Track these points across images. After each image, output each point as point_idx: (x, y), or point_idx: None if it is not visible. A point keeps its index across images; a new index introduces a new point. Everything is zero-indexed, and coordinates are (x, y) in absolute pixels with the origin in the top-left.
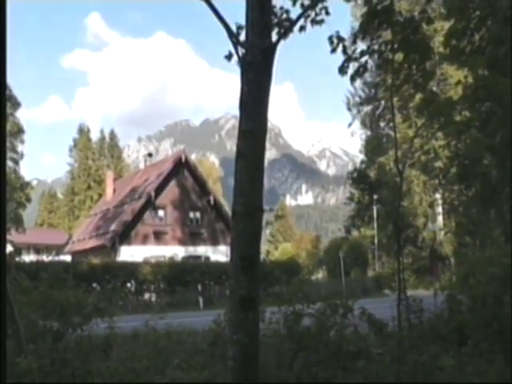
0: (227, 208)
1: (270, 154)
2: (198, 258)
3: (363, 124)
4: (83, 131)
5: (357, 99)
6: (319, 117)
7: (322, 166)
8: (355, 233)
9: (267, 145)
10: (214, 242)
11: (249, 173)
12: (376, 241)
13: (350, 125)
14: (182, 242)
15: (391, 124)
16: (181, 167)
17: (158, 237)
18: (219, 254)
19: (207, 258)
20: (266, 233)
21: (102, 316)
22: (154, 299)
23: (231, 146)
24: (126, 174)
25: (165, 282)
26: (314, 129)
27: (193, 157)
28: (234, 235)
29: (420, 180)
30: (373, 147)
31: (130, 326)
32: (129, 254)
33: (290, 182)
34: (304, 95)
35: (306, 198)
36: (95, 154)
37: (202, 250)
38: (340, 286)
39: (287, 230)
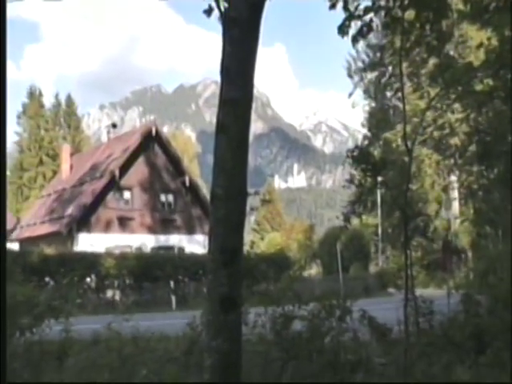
0: (205, 191)
1: (256, 127)
2: (170, 248)
3: (366, 93)
4: (34, 95)
5: (359, 64)
6: (315, 84)
7: (317, 142)
8: (355, 221)
9: (253, 116)
10: (190, 230)
11: (231, 149)
12: (380, 231)
13: (350, 94)
14: (152, 230)
15: (399, 94)
16: (151, 141)
17: (124, 223)
18: (195, 244)
19: (181, 249)
20: (250, 220)
21: (57, 317)
22: (118, 297)
23: (210, 117)
24: (85, 148)
25: (131, 276)
26: (309, 98)
27: (165, 129)
28: (213, 223)
29: (432, 160)
30: (377, 121)
31: (89, 328)
32: (88, 242)
33: (280, 160)
34: (297, 59)
35: (297, 179)
36: (48, 122)
37: (176, 239)
38: (337, 283)
39: (275, 218)
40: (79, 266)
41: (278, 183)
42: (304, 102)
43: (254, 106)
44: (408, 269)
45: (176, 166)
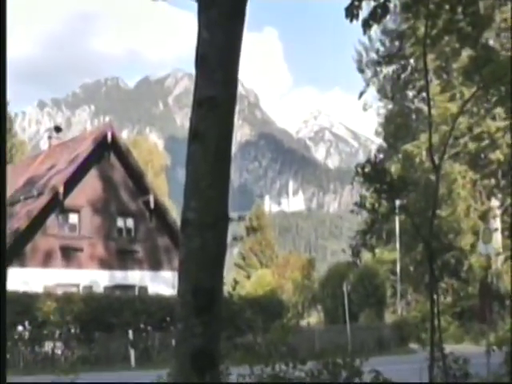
0: (176, 214)
1: (242, 133)
2: (129, 288)
3: (381, 93)
4: None
5: (372, 56)
6: (315, 81)
7: (318, 153)
8: (367, 256)
9: (237, 120)
10: (155, 264)
11: (208, 162)
12: (398, 269)
13: (361, 94)
14: (106, 264)
15: (424, 94)
16: (105, 150)
17: (69, 255)
18: (162, 283)
19: (143, 290)
20: (232, 253)
21: None
22: (59, 351)
23: (182, 119)
24: (18, 157)
25: (77, 324)
26: (308, 98)
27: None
28: (184, 256)
29: (467, 179)
30: (396, 128)
31: None
32: (21, 280)
33: (271, 176)
34: (293, 47)
35: (294, 201)
36: None
37: (136, 276)
38: (343, 335)
39: (265, 250)
40: (8, 310)
41: (269, 206)
42: (302, 102)
43: (238, 106)
44: (435, 318)
45: (138, 181)
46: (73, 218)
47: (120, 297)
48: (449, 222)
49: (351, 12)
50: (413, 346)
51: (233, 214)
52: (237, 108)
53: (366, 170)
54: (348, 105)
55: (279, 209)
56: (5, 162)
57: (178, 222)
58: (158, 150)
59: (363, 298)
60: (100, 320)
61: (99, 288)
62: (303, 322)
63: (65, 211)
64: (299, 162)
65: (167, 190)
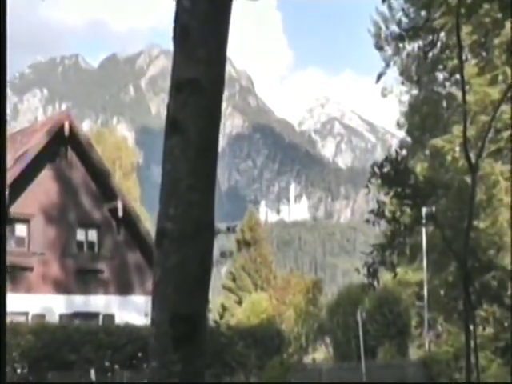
0: (150, 224)
1: (232, 125)
2: (91, 317)
3: (405, 75)
4: None
5: (394, 29)
6: (321, 61)
7: (326, 150)
8: (387, 276)
9: (225, 108)
10: (124, 287)
11: (190, 160)
12: (426, 292)
13: (379, 77)
14: (62, 287)
15: (457, 76)
16: (62, 144)
17: (15, 276)
18: (132, 310)
19: (109, 318)
20: (220, 273)
21: None
22: None
23: (158, 107)
24: None
25: (26, 363)
26: (313, 82)
27: (85, 125)
28: (159, 276)
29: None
30: (422, 118)
31: None
32: None
33: (268, 178)
34: (295, 19)
35: (296, 208)
36: None
37: (101, 302)
38: (357, 375)
39: (261, 269)
40: None
41: (266, 214)
42: (306, 87)
43: (226, 91)
44: (471, 354)
45: (103, 184)
46: (20, 229)
47: (80, 327)
48: (488, 234)
49: None
50: None
51: (220, 225)
52: (225, 93)
53: (385, 169)
54: (363, 90)
55: (278, 218)
56: (5, 162)
57: (153, 234)
58: (127, 145)
59: (382, 329)
60: (54, 357)
61: (54, 317)
62: (308, 359)
63: (10, 221)
64: (303, 160)
65: (139, 194)
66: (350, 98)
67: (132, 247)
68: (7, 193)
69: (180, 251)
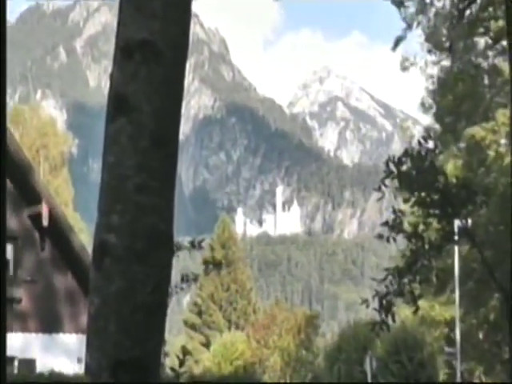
0: (86, 236)
1: (199, 104)
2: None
3: (432, 41)
4: None
5: None
6: (321, 20)
7: (326, 140)
8: (405, 311)
9: (190, 81)
10: (49, 322)
11: (140, 150)
12: (458, 335)
13: (398, 42)
14: None
15: (504, 42)
16: None
17: None
18: (60, 353)
19: (28, 364)
20: (181, 303)
21: None
22: None
23: (98, 78)
24: None
25: None
26: (310, 49)
27: None
28: (98, 306)
29: None
30: (456, 99)
31: None
32: None
33: (248, 177)
34: None
35: (285, 218)
36: None
37: (17, 342)
38: None
39: (236, 299)
40: None
41: (244, 225)
42: (299, 55)
43: (192, 59)
44: None
45: (21, 181)
46: None
47: None
48: None
49: None
50: None
51: (182, 238)
52: (190, 61)
53: (405, 167)
54: (375, 60)
55: (260, 231)
56: (5, 163)
57: (90, 250)
58: (56, 129)
59: (400, 381)
60: None
61: None
62: None
63: None
64: (294, 153)
65: (72, 195)
66: (359, 70)
67: (61, 267)
68: None
69: (126, 274)
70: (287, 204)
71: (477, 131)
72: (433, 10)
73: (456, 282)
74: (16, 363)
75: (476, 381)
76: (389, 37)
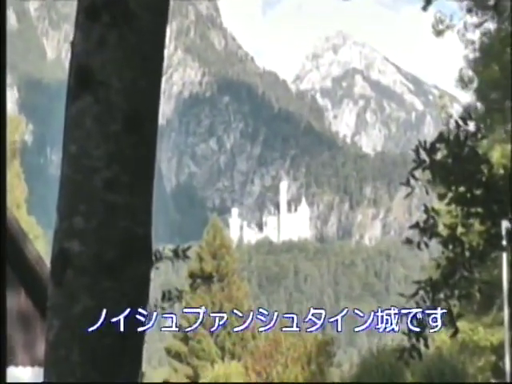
0: (43, 244)
1: (184, 79)
2: None
3: (473, 1)
4: None
5: None
6: None
7: (341, 123)
8: (441, 335)
9: (172, 51)
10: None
11: (111, 136)
12: (508, 364)
13: (429, 1)
14: None
15: None
16: None
17: None
18: None
19: None
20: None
21: None
22: None
23: (58, 47)
24: None
25: None
26: (320, 10)
27: None
28: (57, 332)
29: None
30: (503, 70)
31: None
32: None
33: (245, 169)
34: None
35: (292, 220)
36: None
37: None
38: None
39: (231, 323)
40: None
41: (241, 229)
42: (307, 16)
43: (174, 23)
44: None
45: None
46: None
47: None
48: None
49: None
50: None
51: (164, 246)
52: (172, 26)
53: (440, 156)
54: (402, 23)
55: (261, 236)
56: (5, 163)
57: (48, 262)
58: (4, 113)
59: None
60: None
61: None
62: None
63: None
64: (302, 140)
65: (25, 194)
66: (381, 36)
67: (12, 284)
68: None
69: (93, 290)
70: (293, 203)
71: None
72: None
73: (505, 297)
74: None
75: None
76: None
